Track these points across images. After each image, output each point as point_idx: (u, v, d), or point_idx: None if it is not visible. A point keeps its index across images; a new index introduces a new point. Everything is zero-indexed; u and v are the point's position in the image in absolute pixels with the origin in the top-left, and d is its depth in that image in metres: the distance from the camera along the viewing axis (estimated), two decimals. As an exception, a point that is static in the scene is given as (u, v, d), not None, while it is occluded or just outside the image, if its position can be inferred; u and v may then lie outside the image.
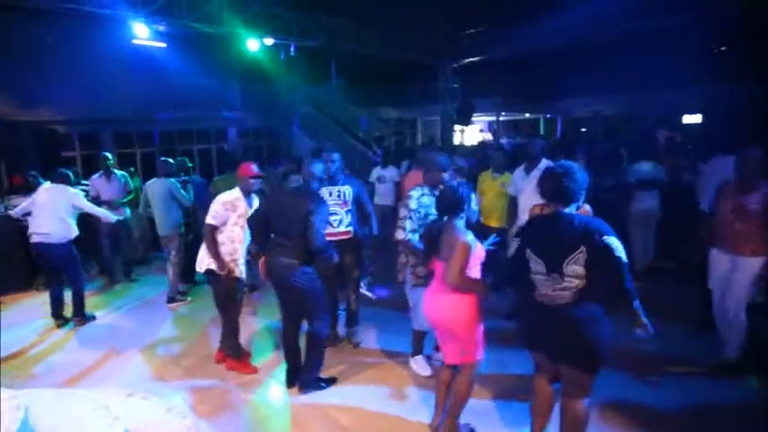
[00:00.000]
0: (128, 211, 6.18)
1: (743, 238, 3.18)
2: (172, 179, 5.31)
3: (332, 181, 3.82)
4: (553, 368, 2.45)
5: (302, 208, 3.10)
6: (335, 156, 3.85)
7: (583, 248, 2.16)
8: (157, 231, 5.34)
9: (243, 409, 3.27)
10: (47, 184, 4.83)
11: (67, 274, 4.76)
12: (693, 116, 15.87)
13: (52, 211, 4.59)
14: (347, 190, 3.86)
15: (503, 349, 3.66)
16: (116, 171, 6.18)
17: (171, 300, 5.28)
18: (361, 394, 3.35)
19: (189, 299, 5.37)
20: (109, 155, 6.22)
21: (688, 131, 13.00)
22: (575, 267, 2.19)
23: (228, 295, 3.69)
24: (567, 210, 2.29)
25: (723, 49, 14.21)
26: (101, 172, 6.07)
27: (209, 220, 3.57)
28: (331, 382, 3.46)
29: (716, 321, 3.50)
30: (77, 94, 9.70)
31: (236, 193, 3.66)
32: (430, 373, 3.52)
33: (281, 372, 3.66)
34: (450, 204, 2.68)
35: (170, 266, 5.26)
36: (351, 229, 3.88)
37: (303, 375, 3.38)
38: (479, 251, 2.63)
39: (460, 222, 2.66)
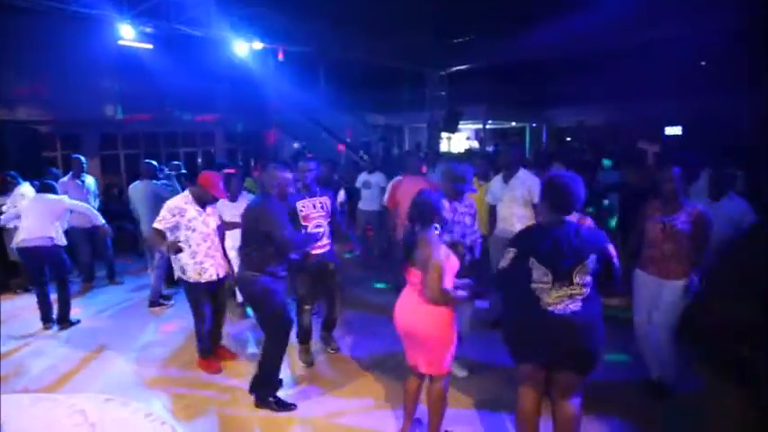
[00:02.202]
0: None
1: (671, 259, 3.03)
2: (155, 181, 5.27)
3: (311, 192, 3.77)
4: (542, 377, 2.42)
5: (257, 221, 3.13)
6: (312, 164, 3.82)
7: (592, 257, 2.24)
8: (141, 234, 5.29)
9: (223, 415, 3.23)
10: (30, 192, 4.79)
11: (58, 278, 4.74)
12: (674, 128, 16.21)
13: (44, 217, 4.60)
14: (327, 201, 3.85)
15: (490, 356, 3.69)
16: (86, 175, 6.11)
17: (153, 303, 5.21)
18: (343, 401, 3.34)
19: (172, 302, 5.31)
20: (82, 158, 6.15)
21: (669, 143, 13.25)
22: (583, 276, 2.24)
23: (190, 299, 3.74)
24: (568, 218, 2.33)
25: (703, 63, 14.56)
26: (71, 174, 5.98)
27: (155, 224, 3.58)
28: (287, 407, 3.22)
29: (638, 343, 3.35)
30: (61, 94, 9.55)
31: (183, 197, 3.65)
32: (465, 374, 3.55)
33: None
34: (422, 213, 2.62)
35: (152, 269, 5.20)
36: (330, 240, 3.89)
37: (257, 389, 3.27)
38: (453, 262, 2.58)
39: (434, 232, 2.59)
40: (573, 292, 2.25)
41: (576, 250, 2.24)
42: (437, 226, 2.62)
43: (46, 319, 4.72)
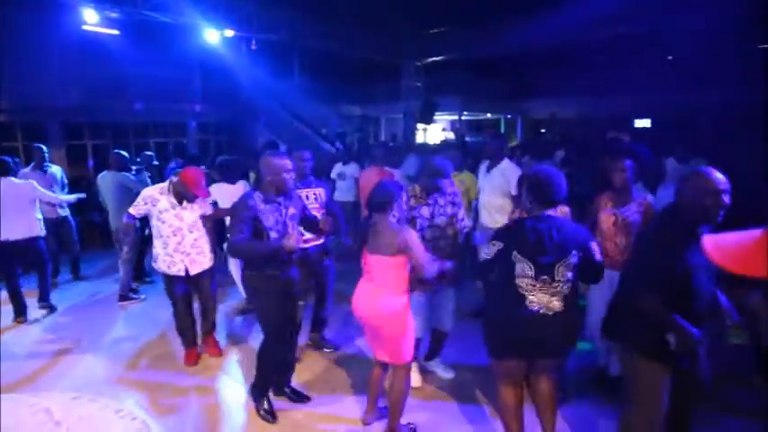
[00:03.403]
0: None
1: (625, 251, 2.99)
2: (125, 173, 5.12)
3: (305, 182, 3.66)
4: (523, 371, 2.45)
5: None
6: (307, 155, 3.71)
7: (574, 253, 2.25)
8: (110, 226, 5.14)
9: (197, 409, 3.19)
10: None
11: (40, 267, 4.76)
12: (644, 120, 16.65)
13: (18, 206, 4.48)
14: (321, 192, 3.75)
15: (467, 348, 3.73)
16: (50, 165, 5.87)
17: (123, 298, 5.08)
18: (327, 398, 3.33)
19: (142, 297, 5.18)
20: (44, 147, 5.90)
21: (638, 135, 13.61)
22: (565, 271, 2.24)
23: (164, 288, 3.76)
24: (550, 212, 2.33)
25: (670, 58, 14.95)
26: (32, 165, 5.71)
27: (130, 209, 3.63)
28: (267, 416, 3.01)
29: (592, 336, 3.27)
30: (21, 81, 9.14)
31: (159, 187, 3.62)
32: (420, 385, 3.35)
33: (239, 373, 3.64)
34: (380, 201, 2.61)
35: (122, 263, 5.06)
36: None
37: (251, 389, 3.14)
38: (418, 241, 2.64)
39: (392, 219, 2.60)
40: (554, 289, 2.24)
41: (558, 246, 2.23)
42: (395, 214, 2.63)
43: (19, 312, 4.60)
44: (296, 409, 3.12)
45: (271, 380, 3.07)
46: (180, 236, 3.58)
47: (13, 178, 4.55)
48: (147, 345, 4.14)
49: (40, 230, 4.66)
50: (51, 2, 6.93)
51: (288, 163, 2.86)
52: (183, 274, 3.63)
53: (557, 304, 2.24)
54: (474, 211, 4.66)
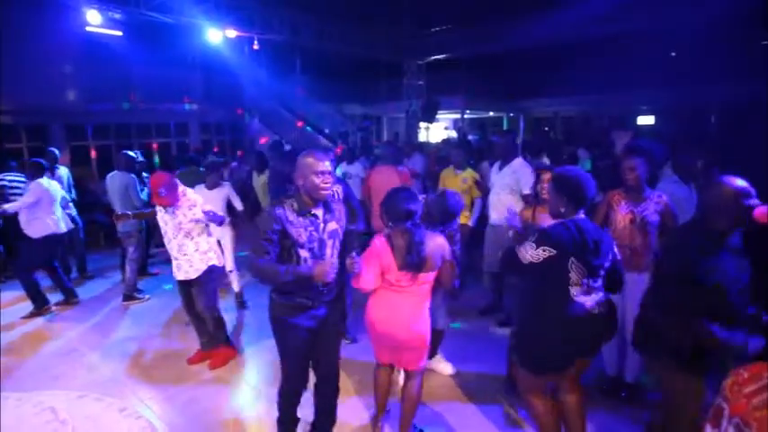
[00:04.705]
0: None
1: (639, 252, 2.95)
2: (132, 175, 5.17)
3: None
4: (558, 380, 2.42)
5: None
6: (330, 153, 3.81)
7: (611, 257, 2.28)
8: (116, 226, 5.16)
9: (200, 409, 3.19)
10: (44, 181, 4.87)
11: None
12: (647, 117, 16.59)
13: (50, 202, 4.84)
14: (339, 189, 3.74)
15: (474, 348, 3.72)
16: (58, 166, 5.94)
17: (128, 297, 5.10)
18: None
19: (147, 296, 5.20)
20: (56, 150, 5.95)
21: (641, 133, 13.56)
22: (600, 275, 2.25)
23: None
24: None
25: (673, 54, 14.87)
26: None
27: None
28: None
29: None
30: (24, 82, 9.17)
31: None
32: (454, 372, 3.48)
33: (242, 372, 3.66)
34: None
35: (128, 263, 5.09)
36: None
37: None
38: None
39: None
40: (594, 293, 2.25)
41: (599, 248, 2.21)
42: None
43: (45, 301, 4.86)
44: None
45: (295, 417, 2.63)
46: (167, 239, 3.62)
47: (46, 179, 4.88)
48: (151, 344, 4.16)
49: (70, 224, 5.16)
50: (54, 3, 6.96)
51: (322, 164, 2.28)
52: (179, 278, 3.64)
53: (599, 303, 2.26)
54: (477, 208, 4.67)
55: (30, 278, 4.76)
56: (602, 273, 2.26)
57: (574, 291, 2.20)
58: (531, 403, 2.44)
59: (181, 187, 3.52)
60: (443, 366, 3.53)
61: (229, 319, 4.59)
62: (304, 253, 2.31)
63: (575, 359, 2.31)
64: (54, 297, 4.99)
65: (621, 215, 3.02)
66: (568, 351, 2.28)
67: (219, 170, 4.77)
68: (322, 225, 2.36)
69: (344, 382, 3.42)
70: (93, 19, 7.26)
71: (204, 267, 3.57)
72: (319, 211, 2.35)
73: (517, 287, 3.06)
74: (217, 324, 3.72)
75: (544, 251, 2.17)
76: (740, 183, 2.02)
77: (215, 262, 3.64)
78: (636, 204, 2.99)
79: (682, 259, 2.07)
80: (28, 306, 4.80)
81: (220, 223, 3.77)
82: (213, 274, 3.63)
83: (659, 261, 2.36)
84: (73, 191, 6.16)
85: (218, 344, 3.76)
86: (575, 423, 2.44)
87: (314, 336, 2.42)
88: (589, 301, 2.23)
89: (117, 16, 7.78)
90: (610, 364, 3.23)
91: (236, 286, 4.82)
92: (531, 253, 2.20)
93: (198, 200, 3.60)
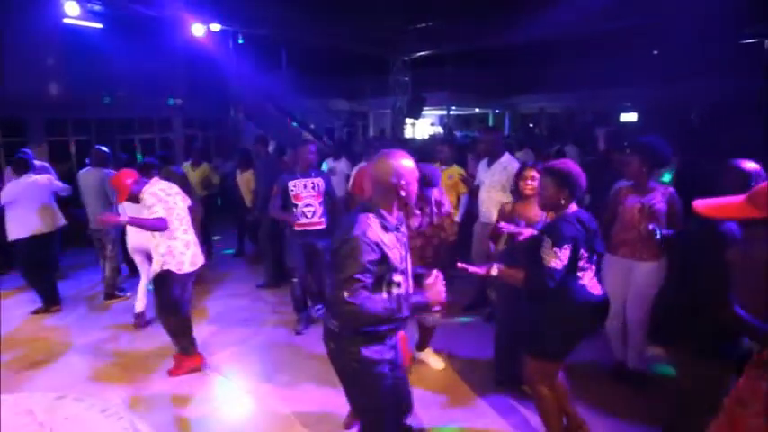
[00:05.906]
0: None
1: (644, 241, 3.02)
2: (107, 170, 5.04)
3: (305, 173, 4.01)
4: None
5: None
6: (313, 148, 4.08)
7: (599, 243, 2.42)
8: (89, 225, 5.05)
9: (183, 408, 3.15)
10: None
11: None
12: (629, 114, 16.82)
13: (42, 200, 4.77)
14: (320, 182, 4.06)
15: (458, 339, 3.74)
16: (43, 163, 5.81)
17: (109, 296, 5.01)
18: (306, 383, 3.32)
19: (128, 294, 5.11)
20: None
21: (625, 129, 13.74)
22: (595, 259, 2.41)
23: None
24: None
25: (655, 53, 15.09)
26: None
27: None
28: None
29: (608, 329, 3.26)
30: (3, 75, 8.92)
31: None
32: (443, 367, 3.54)
33: (227, 370, 3.61)
34: None
35: (106, 261, 4.99)
36: (323, 219, 4.05)
37: None
38: None
39: None
40: (594, 274, 2.39)
41: (597, 233, 2.37)
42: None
43: (53, 301, 4.81)
44: (284, 408, 3.11)
45: None
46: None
47: (33, 175, 4.79)
48: (132, 343, 4.09)
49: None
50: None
51: (415, 168, 1.94)
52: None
53: (600, 285, 2.42)
54: (463, 205, 4.67)
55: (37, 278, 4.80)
56: (594, 258, 2.38)
57: (581, 275, 2.34)
58: (541, 393, 2.50)
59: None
60: (434, 360, 3.57)
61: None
62: (398, 277, 1.87)
63: (577, 342, 2.43)
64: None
65: (630, 205, 3.13)
66: (579, 334, 2.42)
67: (151, 172, 4.20)
68: (404, 240, 1.99)
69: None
70: (72, 11, 7.08)
71: (158, 269, 3.38)
72: (402, 224, 1.98)
73: (502, 285, 3.07)
74: (173, 332, 3.53)
75: (564, 249, 2.24)
76: (751, 165, 2.20)
77: (171, 267, 3.36)
78: (643, 196, 3.10)
79: (710, 249, 2.15)
80: (10, 304, 4.68)
81: (157, 229, 3.33)
82: (167, 281, 3.38)
83: (686, 248, 2.48)
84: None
85: (180, 352, 3.57)
86: (569, 405, 2.57)
87: (396, 381, 1.98)
88: (591, 284, 2.37)
89: (97, 8, 7.60)
90: (616, 348, 3.35)
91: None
92: (560, 256, 2.23)
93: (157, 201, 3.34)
